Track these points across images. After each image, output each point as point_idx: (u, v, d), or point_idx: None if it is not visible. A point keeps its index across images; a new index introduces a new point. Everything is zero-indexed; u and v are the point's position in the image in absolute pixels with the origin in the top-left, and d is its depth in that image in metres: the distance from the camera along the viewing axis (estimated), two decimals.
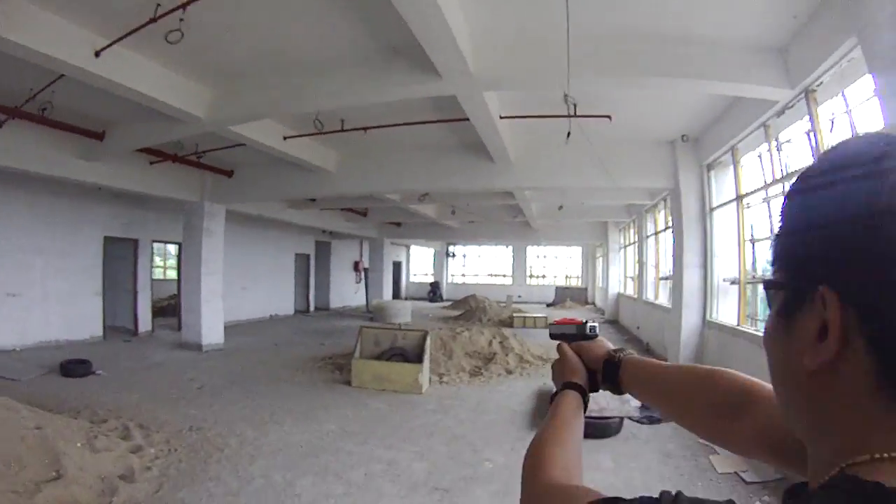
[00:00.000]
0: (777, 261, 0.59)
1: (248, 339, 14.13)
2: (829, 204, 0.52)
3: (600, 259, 27.78)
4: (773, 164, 7.29)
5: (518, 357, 11.41)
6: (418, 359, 9.18)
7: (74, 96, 7.40)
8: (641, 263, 14.97)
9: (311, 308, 22.50)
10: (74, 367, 9.10)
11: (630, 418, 6.88)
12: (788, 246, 0.58)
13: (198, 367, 10.40)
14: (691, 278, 9.13)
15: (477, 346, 11.57)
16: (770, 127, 7.16)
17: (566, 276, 34.13)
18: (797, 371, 0.55)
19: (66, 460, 4.57)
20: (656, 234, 14.03)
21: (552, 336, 1.52)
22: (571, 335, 1.44)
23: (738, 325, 8.02)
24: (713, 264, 9.02)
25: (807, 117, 6.10)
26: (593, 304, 28.92)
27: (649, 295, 14.37)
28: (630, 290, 18.89)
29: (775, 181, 7.20)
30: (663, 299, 13.43)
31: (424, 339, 9.36)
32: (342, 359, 10.79)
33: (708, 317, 9.00)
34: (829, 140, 5.77)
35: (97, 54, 5.56)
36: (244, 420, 7.14)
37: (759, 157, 8.00)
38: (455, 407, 8.13)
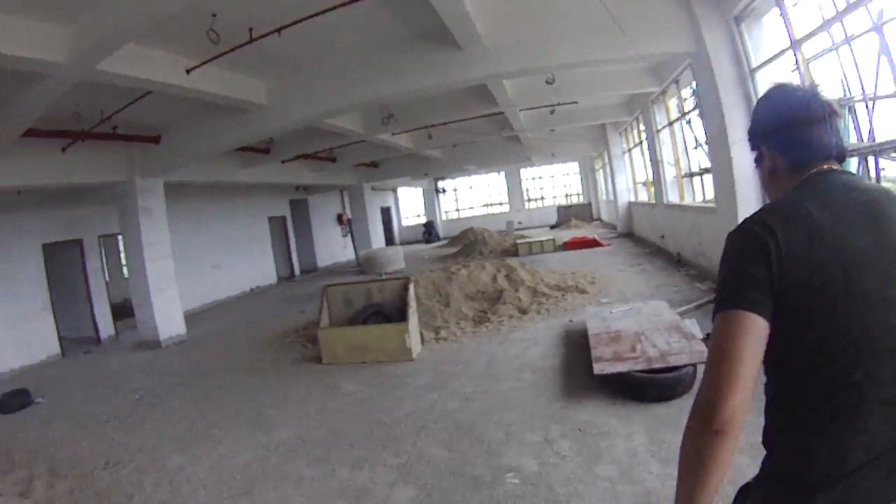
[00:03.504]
0: (751, 138, 1.46)
1: (218, 323, 12.14)
2: (759, 110, 1.44)
3: (600, 171, 25.54)
4: None
5: (531, 290, 9.37)
6: (402, 315, 7.13)
7: None
8: (657, 162, 12.67)
9: (297, 272, 20.54)
10: (10, 400, 7.36)
11: None
12: (750, 129, 1.46)
13: (150, 370, 8.46)
14: (742, 162, 6.88)
15: (479, 285, 9.53)
16: None
17: (566, 195, 31.85)
18: (765, 181, 1.46)
19: None
20: (670, 124, 11.72)
21: None
22: None
23: None
24: None
25: None
26: (600, 219, 26.79)
27: (671, 197, 12.16)
28: (643, 197, 16.70)
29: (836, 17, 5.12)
30: (689, 199, 11.31)
31: (406, 288, 7.26)
32: (316, 328, 8.75)
33: None
34: None
35: None
36: (176, 440, 5.29)
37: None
38: (457, 375, 6.11)
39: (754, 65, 6.92)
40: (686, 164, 11.60)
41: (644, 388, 4.65)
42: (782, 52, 6.42)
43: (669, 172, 12.20)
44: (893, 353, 1.13)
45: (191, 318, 12.21)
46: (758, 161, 1.45)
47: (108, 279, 12.74)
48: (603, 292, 9.30)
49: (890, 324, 1.14)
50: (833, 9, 5.31)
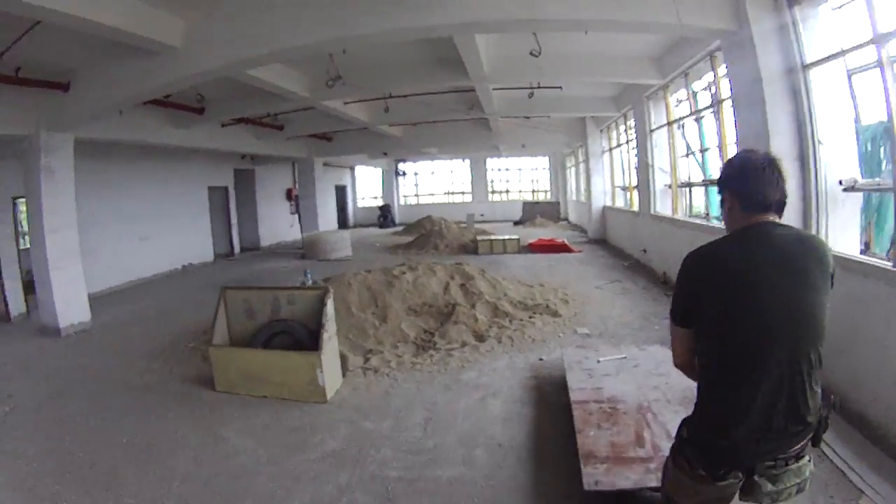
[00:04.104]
0: (720, 186, 2.04)
1: (134, 308, 9.99)
2: (728, 169, 2.03)
3: (572, 168, 23.97)
4: None
5: (491, 308, 7.60)
6: (316, 339, 5.25)
7: None
8: (646, 166, 11.05)
9: (237, 250, 18.35)
10: None
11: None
12: (720, 180, 2.05)
13: (35, 368, 6.61)
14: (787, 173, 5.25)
15: (426, 296, 7.69)
16: None
17: (533, 191, 30.24)
18: (725, 216, 2.02)
19: None
20: (669, 124, 10.12)
21: None
22: None
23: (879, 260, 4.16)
24: (818, 156, 5.20)
25: None
26: (567, 220, 25.24)
27: (661, 208, 10.58)
28: (620, 203, 15.15)
29: None
30: (682, 213, 9.77)
31: (323, 302, 5.38)
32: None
33: None
34: None
35: None
36: (18, 490, 3.71)
37: None
38: (381, 440, 4.30)
39: (809, 60, 5.26)
40: (681, 173, 10.04)
41: None
42: (859, 45, 4.73)
43: (661, 179, 10.60)
44: (774, 356, 1.75)
45: (109, 297, 10.84)
46: (722, 203, 2.02)
47: (26, 247, 10.37)
48: (579, 317, 7.62)
49: (773, 338, 1.75)
50: None
